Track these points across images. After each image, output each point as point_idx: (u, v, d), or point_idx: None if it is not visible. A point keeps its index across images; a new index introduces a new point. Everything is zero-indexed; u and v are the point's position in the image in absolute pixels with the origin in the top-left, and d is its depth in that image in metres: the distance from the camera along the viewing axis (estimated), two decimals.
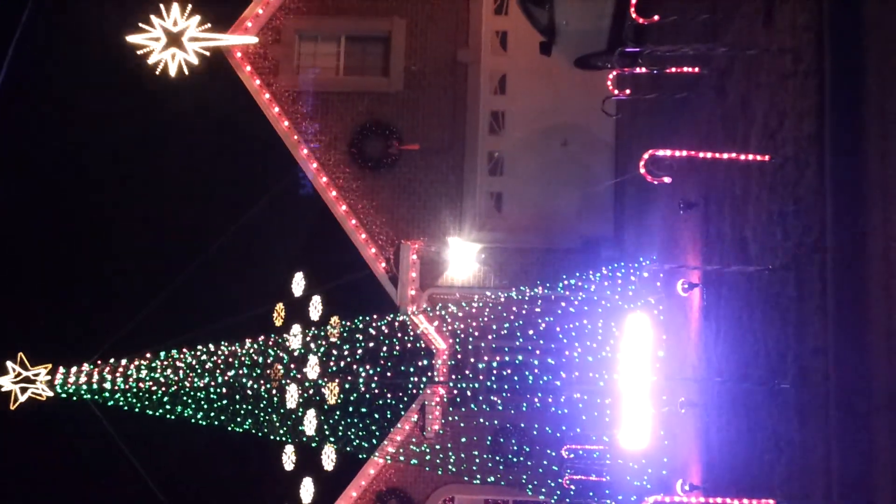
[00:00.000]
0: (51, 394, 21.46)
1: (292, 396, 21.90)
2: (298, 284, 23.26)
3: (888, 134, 7.36)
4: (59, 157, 28.23)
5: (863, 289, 7.63)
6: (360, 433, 20.88)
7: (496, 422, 22.07)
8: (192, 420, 20.80)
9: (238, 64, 22.41)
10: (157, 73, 21.51)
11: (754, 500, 9.19)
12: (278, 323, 22.74)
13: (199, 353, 20.43)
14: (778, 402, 9.08)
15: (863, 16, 7.81)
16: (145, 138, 27.31)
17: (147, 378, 20.60)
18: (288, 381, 21.44)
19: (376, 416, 21.44)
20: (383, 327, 20.35)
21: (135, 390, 20.57)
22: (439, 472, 21.91)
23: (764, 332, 9.60)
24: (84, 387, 20.87)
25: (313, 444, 21.08)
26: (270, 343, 20.93)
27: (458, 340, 22.21)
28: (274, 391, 21.42)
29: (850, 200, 7.80)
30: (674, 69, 11.48)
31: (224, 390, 20.64)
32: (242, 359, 20.50)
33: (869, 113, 7.67)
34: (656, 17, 10.57)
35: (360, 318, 20.10)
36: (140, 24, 21.47)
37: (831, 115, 8.05)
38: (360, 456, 21.48)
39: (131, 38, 21.46)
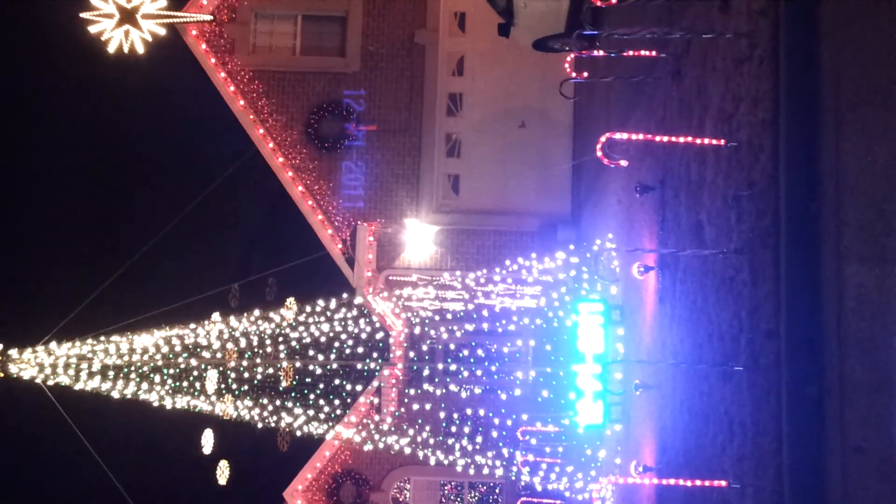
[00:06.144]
0: (1, 375, 21.15)
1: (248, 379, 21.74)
2: (254, 266, 23.06)
3: (842, 120, 7.42)
4: (10, 135, 27.73)
5: (815, 273, 7.70)
6: (316, 415, 20.81)
7: (451, 403, 22.12)
8: (144, 401, 20.60)
9: (193, 42, 22.11)
10: (111, 51, 21.15)
11: (707, 481, 9.29)
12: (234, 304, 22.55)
13: (151, 334, 20.20)
14: (731, 384, 9.17)
15: (818, 2, 7.85)
16: (98, 117, 26.92)
17: (99, 359, 20.35)
18: (243, 363, 21.28)
19: (332, 397, 21.39)
20: (339, 309, 20.26)
21: (87, 372, 20.32)
22: (394, 454, 21.92)
23: (718, 315, 9.68)
24: (35, 368, 20.57)
25: (268, 427, 20.98)
26: (225, 324, 20.75)
27: (414, 322, 22.19)
28: (230, 373, 21.27)
29: (803, 185, 7.85)
30: (631, 52, 11.49)
31: (177, 371, 20.45)
32: (196, 340, 20.30)
33: (823, 98, 7.72)
34: (614, 0, 10.58)
35: (316, 299, 19.99)
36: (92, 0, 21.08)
37: (786, 100, 8.09)
38: (316, 438, 21.43)
39: (84, 15, 21.05)
